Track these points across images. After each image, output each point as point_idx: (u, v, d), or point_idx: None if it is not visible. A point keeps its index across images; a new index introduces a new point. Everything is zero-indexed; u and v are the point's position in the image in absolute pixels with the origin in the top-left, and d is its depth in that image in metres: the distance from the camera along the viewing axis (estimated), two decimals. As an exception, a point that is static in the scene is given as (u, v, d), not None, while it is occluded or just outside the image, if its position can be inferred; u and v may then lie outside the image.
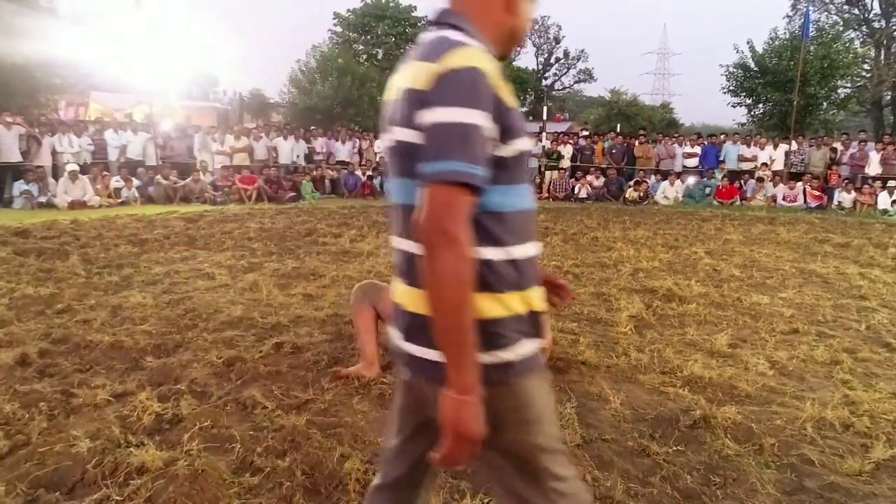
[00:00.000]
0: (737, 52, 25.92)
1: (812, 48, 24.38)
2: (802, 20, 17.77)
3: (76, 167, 10.99)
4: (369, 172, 14.27)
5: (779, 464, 2.36)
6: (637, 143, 15.30)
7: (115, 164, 12.31)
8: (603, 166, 14.85)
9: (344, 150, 15.27)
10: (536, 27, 47.35)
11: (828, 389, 3.07)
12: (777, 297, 4.99)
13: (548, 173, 14.76)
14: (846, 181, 12.85)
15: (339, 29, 31.57)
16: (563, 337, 3.79)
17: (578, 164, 15.02)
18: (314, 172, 13.88)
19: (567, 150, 15.20)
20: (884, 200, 11.86)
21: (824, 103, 24.70)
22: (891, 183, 12.14)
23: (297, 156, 14.51)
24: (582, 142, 15.85)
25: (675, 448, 2.44)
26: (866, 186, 12.44)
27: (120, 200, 11.24)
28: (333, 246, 7.09)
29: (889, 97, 31.35)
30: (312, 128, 15.93)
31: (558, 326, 3.95)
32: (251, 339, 3.68)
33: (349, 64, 27.04)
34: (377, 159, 15.06)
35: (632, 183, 13.72)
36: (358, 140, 15.76)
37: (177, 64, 22.92)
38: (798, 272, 6.02)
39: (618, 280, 5.49)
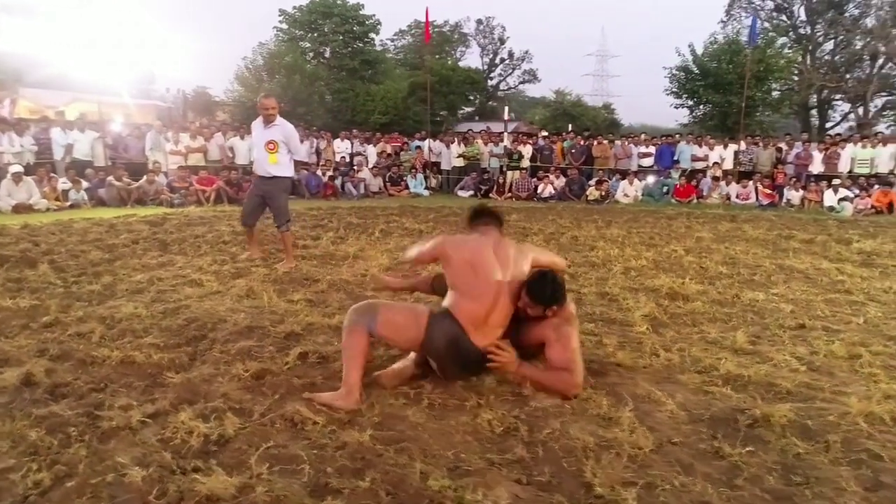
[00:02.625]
0: (679, 55, 26.87)
1: (748, 52, 25.53)
2: (749, 26, 18.47)
3: (20, 168, 10.29)
4: (330, 173, 13.97)
5: (848, 460, 2.39)
6: (595, 143, 15.59)
7: (62, 164, 11.60)
8: (563, 166, 15.06)
9: (302, 150, 14.87)
10: (481, 27, 47.72)
11: (859, 384, 3.15)
12: (770, 293, 5.14)
13: (509, 173, 14.84)
14: (793, 179, 13.48)
15: (285, 26, 30.88)
16: (587, 339, 3.76)
17: (538, 164, 15.17)
18: (273, 173, 13.47)
19: (527, 151, 15.33)
20: (829, 198, 12.49)
21: (760, 105, 25.78)
22: (835, 181, 12.81)
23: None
24: (541, 142, 16.03)
25: (745, 449, 2.43)
26: (812, 185, 13.09)
27: (69, 203, 10.61)
28: (315, 249, 6.88)
29: (815, 100, 33.24)
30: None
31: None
32: (270, 349, 3.48)
33: (297, 62, 26.50)
34: (337, 159, 14.80)
35: (593, 182, 13.97)
36: (315, 140, 15.42)
37: (113, 59, 21.87)
38: (778, 268, 6.23)
39: (614, 279, 5.53)
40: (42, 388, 2.88)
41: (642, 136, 16.01)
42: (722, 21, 34.20)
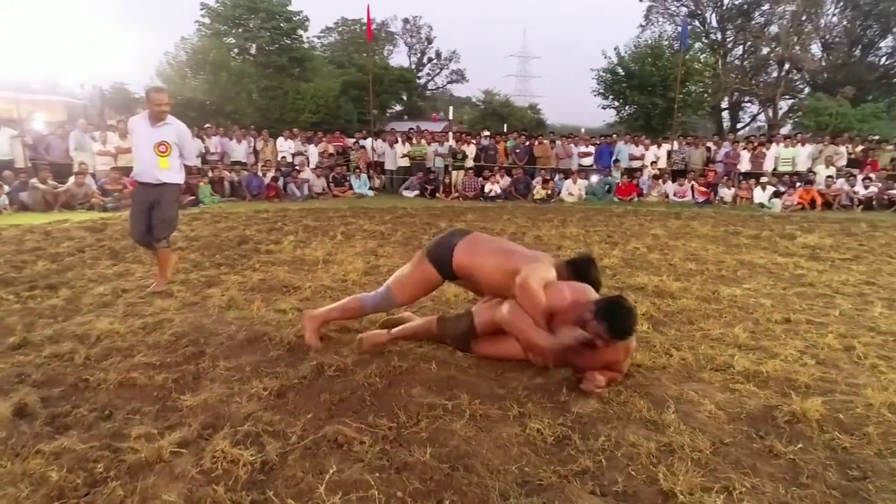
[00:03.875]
0: (605, 57, 27.77)
1: (667, 55, 26.74)
2: (680, 31, 19.29)
3: (-71, 170, 9.33)
4: (272, 173, 13.48)
5: (891, 451, 2.48)
6: (536, 143, 15.83)
7: (-24, 166, 10.61)
8: (506, 165, 15.20)
9: (240, 150, 14.32)
10: (408, 27, 47.58)
11: (866, 375, 3.30)
12: (743, 288, 5.33)
13: (454, 173, 14.83)
14: (725, 178, 14.18)
15: (207, 20, 29.59)
16: (595, 340, 3.76)
17: (482, 163, 15.23)
18: (211, 174, 12.87)
19: (471, 150, 15.36)
20: (759, 195, 13.22)
21: (682, 106, 27.01)
22: (763, 179, 13.58)
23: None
24: (485, 141, 16.10)
25: (797, 446, 2.48)
26: (743, 182, 13.81)
27: (-13, 209, 9.72)
28: (281, 254, 6.58)
29: (726, 102, 35.23)
30: (207, 126, 14.74)
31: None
32: (281, 364, 3.27)
33: (223, 58, 25.47)
34: (279, 158, 14.32)
35: (538, 181, 14.16)
36: (253, 139, 14.85)
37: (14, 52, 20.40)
38: (740, 264, 6.48)
39: (595, 278, 5.57)
40: (40, 420, 2.58)
41: (583, 131, 16.38)
42: (641, 25, 35.70)
